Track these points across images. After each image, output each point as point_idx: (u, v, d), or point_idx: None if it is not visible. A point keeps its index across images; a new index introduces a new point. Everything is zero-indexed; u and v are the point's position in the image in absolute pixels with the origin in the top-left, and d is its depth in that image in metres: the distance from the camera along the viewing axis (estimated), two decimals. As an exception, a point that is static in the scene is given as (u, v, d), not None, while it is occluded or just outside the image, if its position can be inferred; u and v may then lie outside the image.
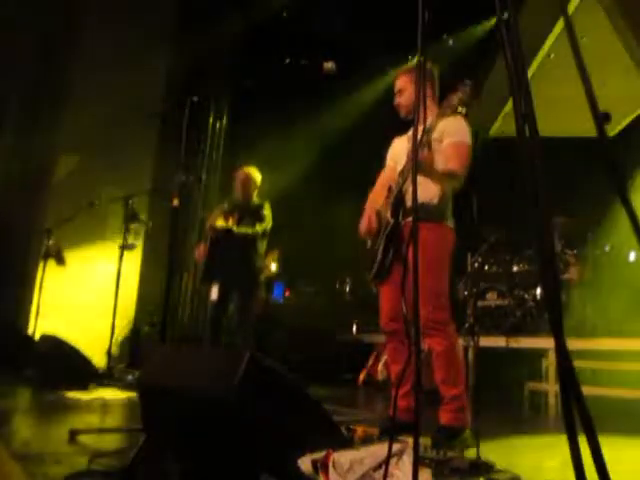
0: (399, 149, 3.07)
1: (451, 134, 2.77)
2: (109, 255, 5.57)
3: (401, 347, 2.85)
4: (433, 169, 2.62)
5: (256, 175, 4.75)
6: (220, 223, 4.45)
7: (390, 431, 1.43)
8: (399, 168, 2.92)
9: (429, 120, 2.57)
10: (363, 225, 3.05)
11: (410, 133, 2.97)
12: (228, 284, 4.45)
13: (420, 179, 2.59)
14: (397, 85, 2.99)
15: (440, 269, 2.76)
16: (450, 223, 2.88)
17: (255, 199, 4.70)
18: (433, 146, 2.71)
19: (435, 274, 2.70)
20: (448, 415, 2.67)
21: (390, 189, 2.90)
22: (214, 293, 4.46)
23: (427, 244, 2.51)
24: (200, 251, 4.62)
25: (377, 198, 3.02)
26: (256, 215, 4.53)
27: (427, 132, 2.54)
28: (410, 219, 2.73)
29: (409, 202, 2.75)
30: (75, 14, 6.34)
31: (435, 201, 2.80)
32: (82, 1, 6.39)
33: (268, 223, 4.57)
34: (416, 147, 1.42)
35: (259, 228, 4.46)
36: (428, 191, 2.76)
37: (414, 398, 1.26)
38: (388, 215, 2.81)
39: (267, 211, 4.60)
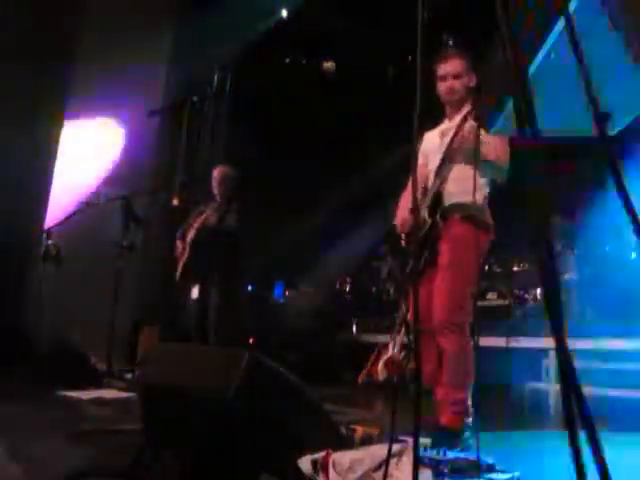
0: (430, 145, 2.94)
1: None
2: (109, 255, 5.56)
3: (433, 347, 2.77)
4: (483, 156, 2.57)
5: (232, 173, 4.69)
6: (200, 222, 4.42)
7: (391, 431, 1.43)
8: (430, 166, 2.86)
9: (463, 114, 2.60)
10: (397, 224, 2.99)
11: (442, 127, 2.90)
12: (208, 283, 4.44)
13: (460, 175, 2.63)
14: (450, 67, 2.80)
15: (468, 270, 2.69)
16: (488, 218, 2.81)
17: (233, 198, 4.62)
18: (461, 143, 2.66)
19: (462, 274, 2.67)
20: (449, 416, 2.67)
21: (425, 188, 2.82)
22: (195, 292, 4.47)
23: (461, 243, 2.53)
24: (180, 248, 4.55)
25: (409, 196, 2.91)
26: (237, 215, 4.47)
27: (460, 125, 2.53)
28: (447, 218, 2.71)
29: (446, 201, 2.72)
30: (75, 12, 6.33)
31: (474, 200, 2.65)
32: (80, 6, 6.38)
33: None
34: (416, 148, 1.42)
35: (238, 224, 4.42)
36: (468, 189, 2.61)
37: (415, 398, 1.26)
38: (425, 215, 2.74)
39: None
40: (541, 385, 4.48)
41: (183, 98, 4.31)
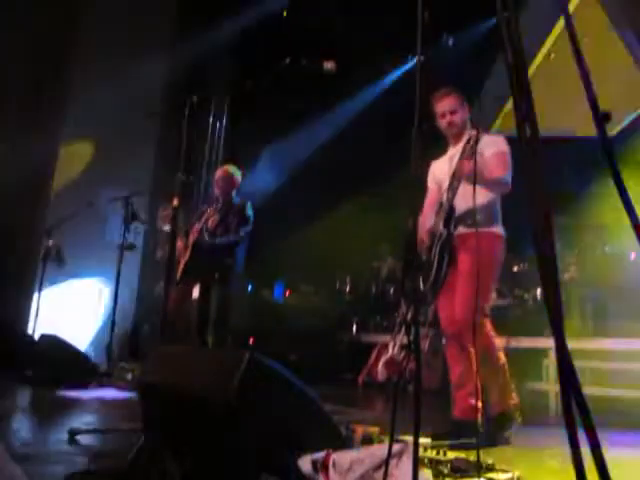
0: (440, 172, 3.20)
1: (490, 145, 3.00)
2: (109, 255, 5.56)
3: (460, 351, 2.98)
4: (482, 178, 2.78)
5: (236, 173, 4.67)
6: (202, 223, 4.41)
7: (391, 431, 1.43)
8: (445, 186, 3.08)
9: (465, 139, 2.85)
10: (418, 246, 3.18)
11: (449, 153, 3.21)
12: (208, 283, 4.44)
13: (467, 191, 2.80)
14: (447, 105, 3.11)
15: (485, 275, 2.85)
16: (500, 230, 3.06)
17: (236, 199, 4.60)
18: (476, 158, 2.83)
19: (480, 279, 2.82)
20: (463, 408, 2.85)
21: (441, 205, 3.05)
22: (196, 292, 4.46)
23: (476, 250, 2.72)
24: (180, 249, 4.53)
25: (425, 221, 3.15)
26: (239, 216, 4.45)
27: (473, 145, 2.73)
28: (460, 228, 2.96)
29: (457, 214, 2.96)
30: (75, 13, 6.33)
31: (484, 209, 2.96)
32: (82, 1, 6.38)
33: (250, 224, 4.49)
34: (418, 154, 1.43)
35: (242, 233, 4.40)
36: (478, 200, 2.83)
37: (415, 398, 1.26)
38: (440, 227, 2.97)
39: (250, 212, 4.51)
40: (541, 385, 4.48)
41: (183, 98, 4.29)
